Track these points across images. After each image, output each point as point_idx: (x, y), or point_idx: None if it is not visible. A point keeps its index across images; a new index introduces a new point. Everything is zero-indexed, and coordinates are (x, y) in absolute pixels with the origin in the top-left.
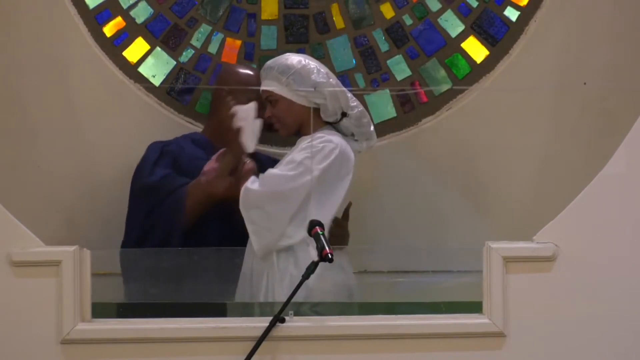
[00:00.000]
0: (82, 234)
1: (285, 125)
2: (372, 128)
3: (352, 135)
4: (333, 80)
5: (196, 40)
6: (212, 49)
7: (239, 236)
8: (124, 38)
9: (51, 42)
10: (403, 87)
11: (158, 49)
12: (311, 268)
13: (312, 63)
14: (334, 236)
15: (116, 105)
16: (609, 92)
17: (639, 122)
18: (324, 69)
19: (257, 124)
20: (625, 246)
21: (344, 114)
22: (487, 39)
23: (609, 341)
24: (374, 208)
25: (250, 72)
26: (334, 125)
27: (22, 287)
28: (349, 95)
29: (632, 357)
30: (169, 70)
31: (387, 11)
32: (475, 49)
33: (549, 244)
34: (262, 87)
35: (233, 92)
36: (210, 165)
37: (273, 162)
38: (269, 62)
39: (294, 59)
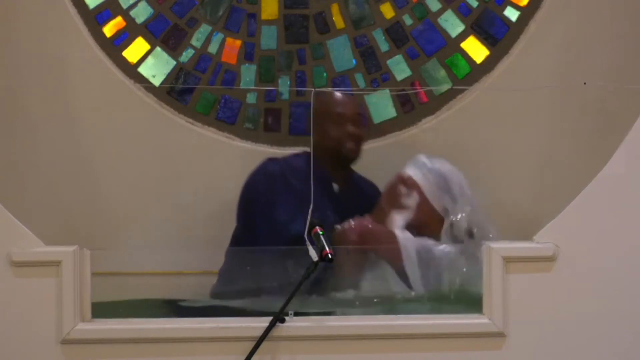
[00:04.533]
0: (82, 234)
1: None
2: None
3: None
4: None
5: (196, 40)
6: (212, 49)
7: None
8: (124, 38)
9: (51, 42)
10: (403, 87)
11: (158, 49)
12: (311, 268)
13: (463, 178)
14: None
15: (116, 105)
16: (609, 92)
17: (639, 122)
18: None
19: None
20: (625, 246)
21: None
22: (487, 39)
23: (609, 341)
24: None
25: (344, 97)
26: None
27: (22, 287)
28: (484, 219)
29: (632, 357)
30: (169, 70)
31: (387, 11)
32: (475, 49)
33: (549, 244)
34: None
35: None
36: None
37: (370, 185)
38: (424, 157)
39: (442, 163)
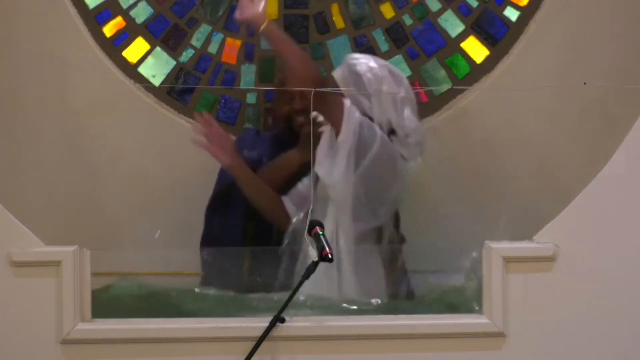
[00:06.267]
0: (82, 234)
1: (332, 121)
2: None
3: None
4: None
5: (196, 40)
6: (212, 49)
7: None
8: (124, 38)
9: (51, 42)
10: None
11: (158, 49)
12: (311, 268)
13: (380, 71)
14: None
15: (116, 106)
16: (609, 92)
17: (639, 122)
18: (386, 79)
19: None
20: (625, 246)
21: (392, 132)
22: (487, 39)
23: (609, 341)
24: None
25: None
26: None
27: (22, 287)
28: (407, 114)
29: (632, 357)
30: (169, 70)
31: (387, 11)
32: (475, 49)
33: (549, 244)
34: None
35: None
36: None
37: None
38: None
39: (365, 62)
